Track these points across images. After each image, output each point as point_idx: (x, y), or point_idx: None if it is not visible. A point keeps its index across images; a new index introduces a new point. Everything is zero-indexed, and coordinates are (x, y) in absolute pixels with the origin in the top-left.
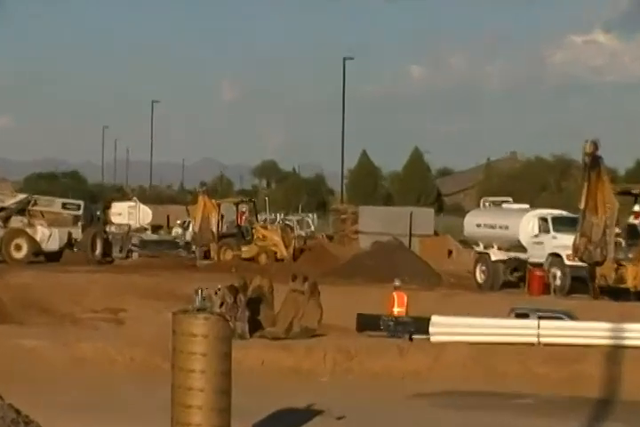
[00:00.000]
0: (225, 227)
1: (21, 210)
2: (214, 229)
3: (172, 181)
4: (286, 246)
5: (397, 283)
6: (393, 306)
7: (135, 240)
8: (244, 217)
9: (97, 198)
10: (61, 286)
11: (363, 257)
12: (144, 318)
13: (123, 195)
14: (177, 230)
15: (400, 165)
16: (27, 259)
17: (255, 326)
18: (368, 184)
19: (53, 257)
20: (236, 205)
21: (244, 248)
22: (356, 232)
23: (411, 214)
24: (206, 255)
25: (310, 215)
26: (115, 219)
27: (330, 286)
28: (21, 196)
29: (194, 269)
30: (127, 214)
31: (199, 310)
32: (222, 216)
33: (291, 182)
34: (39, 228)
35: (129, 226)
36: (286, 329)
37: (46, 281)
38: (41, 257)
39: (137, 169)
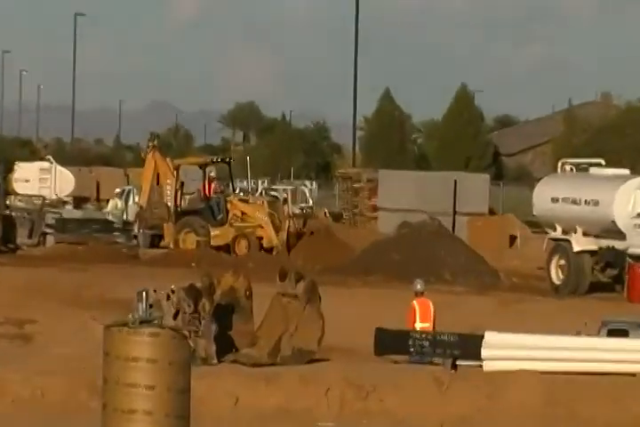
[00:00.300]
0: (186, 200)
1: None
2: (170, 203)
3: (104, 134)
4: (277, 230)
5: (419, 286)
6: (414, 320)
7: (50, 219)
8: (213, 186)
9: None
10: None
11: (384, 245)
12: (62, 333)
13: (31, 152)
14: (113, 204)
15: (439, 111)
16: None
17: (226, 347)
18: (392, 139)
19: None
20: (203, 167)
21: (213, 231)
22: (375, 209)
23: (455, 183)
24: (155, 242)
25: (307, 183)
26: (20, 188)
27: (336, 288)
28: None
29: (136, 262)
30: (38, 181)
31: (143, 322)
32: (182, 184)
33: (279, 135)
34: None
35: (42, 198)
36: (271, 351)
37: None
38: None
39: (52, 116)
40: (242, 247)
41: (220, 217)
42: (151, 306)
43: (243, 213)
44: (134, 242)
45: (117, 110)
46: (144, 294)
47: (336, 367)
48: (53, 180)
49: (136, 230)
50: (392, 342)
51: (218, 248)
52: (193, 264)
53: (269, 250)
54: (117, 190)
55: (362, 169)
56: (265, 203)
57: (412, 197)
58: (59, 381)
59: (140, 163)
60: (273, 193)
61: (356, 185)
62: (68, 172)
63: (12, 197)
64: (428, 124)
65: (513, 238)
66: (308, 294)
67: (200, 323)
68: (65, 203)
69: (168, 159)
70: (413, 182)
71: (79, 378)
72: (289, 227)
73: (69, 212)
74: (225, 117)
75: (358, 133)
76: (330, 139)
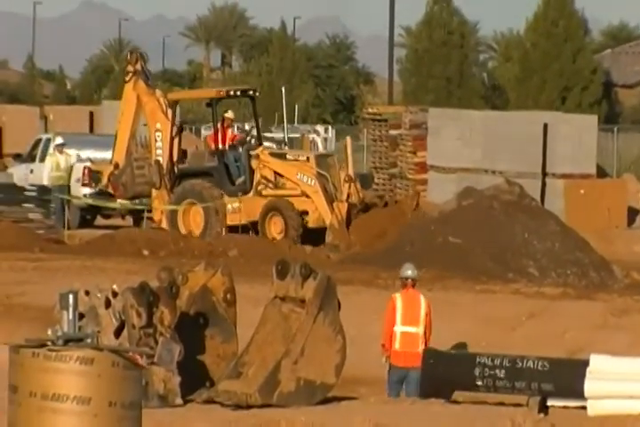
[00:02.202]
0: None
1: None
2: (162, 160)
3: (10, 53)
4: (330, 200)
5: (410, 272)
6: (392, 321)
7: None
8: (230, 133)
9: None
10: None
11: (436, 224)
12: None
13: None
14: (54, 162)
15: (520, 20)
16: None
17: (196, 378)
18: (448, 61)
19: None
20: (213, 104)
21: (231, 203)
22: (423, 168)
23: (545, 129)
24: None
25: (320, 129)
26: None
27: (366, 289)
28: None
29: (59, 250)
30: None
31: (70, 340)
32: (181, 130)
33: (276, 56)
34: None
35: None
36: (265, 385)
37: None
38: None
39: None
40: (276, 227)
41: (240, 181)
42: (82, 316)
43: (277, 176)
44: (54, 219)
45: (30, 16)
46: (70, 297)
47: (364, 410)
48: None
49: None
50: (447, 370)
51: (235, 229)
52: (145, 252)
53: (318, 232)
54: (58, 140)
55: (402, 108)
56: (312, 159)
57: (478, 151)
58: None
59: (80, 97)
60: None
61: (393, 132)
62: None
63: None
64: (504, 40)
65: (633, 213)
66: (320, 299)
67: (156, 342)
68: None
69: (159, 92)
70: (481, 128)
71: None
72: (349, 196)
73: None
74: (194, 28)
75: (397, 53)
76: (354, 62)
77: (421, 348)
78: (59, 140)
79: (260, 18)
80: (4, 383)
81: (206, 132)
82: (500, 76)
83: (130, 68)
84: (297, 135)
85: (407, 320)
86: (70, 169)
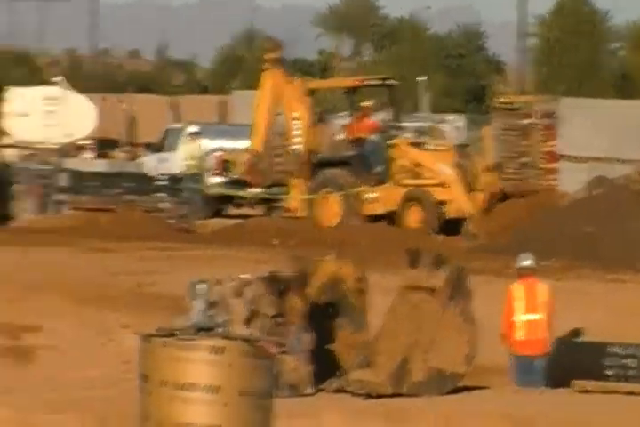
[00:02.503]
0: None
1: None
2: (300, 149)
3: (141, 42)
4: (469, 190)
5: (528, 262)
6: (510, 311)
7: (62, 176)
8: (369, 122)
9: None
10: None
11: (568, 212)
12: (77, 346)
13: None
14: (189, 151)
15: None
16: None
17: (327, 368)
18: (580, 51)
19: None
20: (351, 93)
21: (369, 192)
22: (554, 158)
23: None
24: (267, 207)
25: (451, 119)
26: (14, 126)
27: (497, 278)
28: None
29: (190, 239)
30: (41, 116)
31: (201, 330)
32: (320, 118)
33: (407, 46)
34: None
35: (57, 152)
36: (396, 374)
37: None
38: None
39: (63, 16)
40: (415, 217)
41: (379, 170)
42: (213, 305)
43: (416, 165)
44: (186, 208)
45: (162, 5)
46: (201, 287)
47: (497, 400)
48: (65, 114)
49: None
50: (577, 360)
51: (377, 218)
52: (275, 241)
53: (454, 222)
54: (192, 129)
55: (534, 97)
56: (452, 149)
57: (609, 140)
58: (70, 420)
59: (211, 86)
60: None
61: (525, 121)
62: (87, 101)
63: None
64: (635, 29)
65: None
66: (450, 288)
67: (287, 331)
68: (82, 149)
69: (296, 80)
70: (612, 117)
71: (101, 416)
72: (488, 185)
73: (89, 162)
74: (324, 18)
75: (529, 43)
76: (485, 50)
77: (544, 335)
78: (193, 128)
79: (391, 7)
80: (135, 373)
81: (336, 120)
82: (630, 64)
83: (267, 56)
84: (426, 124)
85: (528, 308)
86: (203, 158)
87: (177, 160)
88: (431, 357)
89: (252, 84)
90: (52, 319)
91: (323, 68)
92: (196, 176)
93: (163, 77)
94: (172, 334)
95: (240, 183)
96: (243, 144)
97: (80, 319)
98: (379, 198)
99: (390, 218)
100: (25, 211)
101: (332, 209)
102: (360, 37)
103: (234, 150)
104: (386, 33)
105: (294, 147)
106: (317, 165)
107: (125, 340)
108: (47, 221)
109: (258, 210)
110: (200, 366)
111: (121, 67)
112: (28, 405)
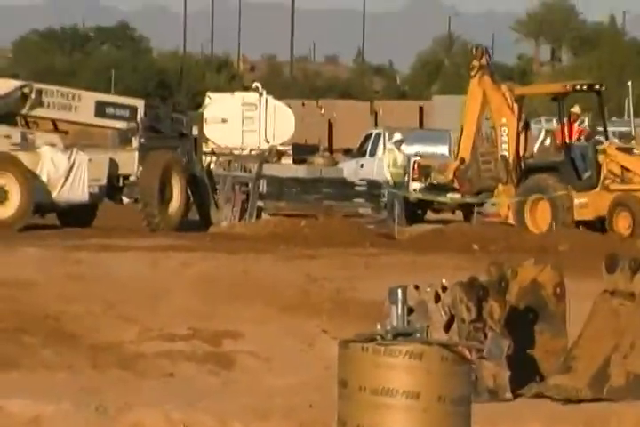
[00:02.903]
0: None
1: (7, 115)
2: (508, 155)
3: (339, 48)
4: None
5: None
6: None
7: (261, 182)
8: (577, 127)
9: (171, 89)
10: (98, 281)
11: None
12: (277, 352)
13: (230, 78)
14: (391, 159)
15: None
16: (19, 221)
17: (526, 373)
18: None
19: (77, 217)
20: (560, 99)
21: (579, 198)
22: None
23: None
24: (466, 212)
25: None
26: (213, 131)
27: None
28: (10, 83)
29: (390, 245)
30: (240, 122)
31: (399, 335)
32: (526, 126)
33: (606, 50)
34: (48, 153)
35: (259, 161)
36: (595, 380)
37: (61, 271)
38: (49, 217)
39: (260, 21)
40: (624, 223)
41: (587, 176)
42: (411, 311)
43: (624, 170)
44: (385, 214)
45: (360, 11)
46: (400, 292)
47: None
48: (263, 120)
49: (447, 198)
50: None
51: (586, 224)
52: (475, 247)
53: None
54: (397, 137)
55: None
56: None
57: None
58: None
59: (410, 92)
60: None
61: None
62: (285, 107)
63: (205, 147)
64: None
65: None
66: None
67: (486, 336)
68: (281, 155)
69: (504, 87)
70: None
71: (302, 422)
72: None
73: (288, 168)
74: (523, 23)
75: None
76: None
77: None
78: (397, 136)
79: (590, 12)
80: (334, 379)
81: (535, 126)
82: None
83: (475, 62)
84: (627, 129)
85: None
86: (405, 166)
87: (377, 166)
88: (631, 361)
89: (451, 89)
90: (252, 325)
91: (522, 73)
92: (398, 184)
93: (362, 83)
94: (370, 340)
95: (439, 188)
96: (441, 149)
97: (280, 326)
98: (588, 204)
99: (602, 224)
100: (225, 217)
101: (541, 215)
102: (558, 42)
103: (432, 156)
104: (584, 38)
105: (502, 153)
106: (526, 171)
107: (326, 346)
108: (247, 228)
109: (457, 215)
110: (398, 371)
111: (319, 73)
112: (228, 411)
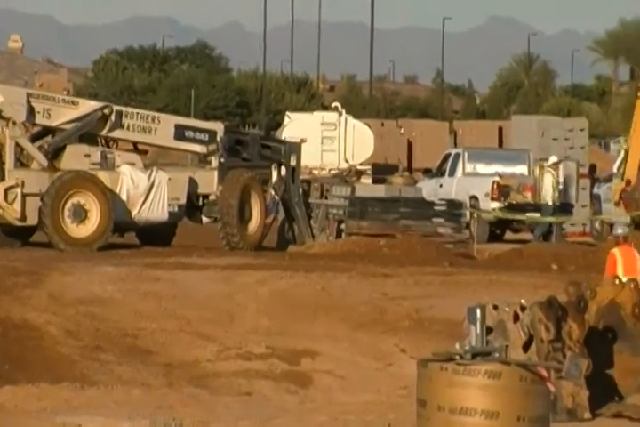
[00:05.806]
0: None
1: (88, 135)
2: None
3: (419, 69)
4: None
5: (620, 230)
6: (614, 270)
7: (337, 201)
8: None
9: (250, 108)
10: (175, 299)
11: None
12: (354, 371)
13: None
14: (551, 181)
15: None
16: (98, 240)
17: (605, 392)
18: None
19: (157, 236)
20: None
21: None
22: None
23: None
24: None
25: None
26: None
27: None
28: (91, 104)
29: (469, 264)
30: (320, 141)
31: (478, 355)
32: None
33: None
34: (127, 172)
35: (350, 187)
36: None
37: (139, 290)
38: (128, 235)
39: (338, 41)
40: None
41: None
42: (490, 330)
43: None
44: (466, 233)
45: (439, 31)
46: (479, 311)
47: None
48: (343, 139)
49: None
50: None
51: None
52: (554, 266)
53: None
54: (553, 159)
55: None
56: None
57: None
58: None
59: (489, 111)
60: None
61: None
62: (365, 127)
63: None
64: None
65: None
66: None
67: (565, 356)
68: (360, 174)
69: None
70: None
71: None
72: None
73: (367, 188)
74: (602, 43)
75: None
76: None
77: None
78: (553, 158)
79: None
80: (413, 397)
81: (615, 146)
82: None
83: (639, 84)
84: None
85: (627, 271)
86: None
87: (456, 185)
88: None
89: (530, 108)
90: (328, 344)
91: (601, 93)
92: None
93: (440, 102)
94: (449, 359)
95: (517, 208)
96: (520, 169)
97: (357, 344)
98: None
99: None
100: (308, 236)
101: None
102: (638, 62)
103: (511, 176)
104: None
105: None
106: None
107: (403, 364)
108: (327, 247)
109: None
110: (476, 390)
111: (398, 92)
112: None
